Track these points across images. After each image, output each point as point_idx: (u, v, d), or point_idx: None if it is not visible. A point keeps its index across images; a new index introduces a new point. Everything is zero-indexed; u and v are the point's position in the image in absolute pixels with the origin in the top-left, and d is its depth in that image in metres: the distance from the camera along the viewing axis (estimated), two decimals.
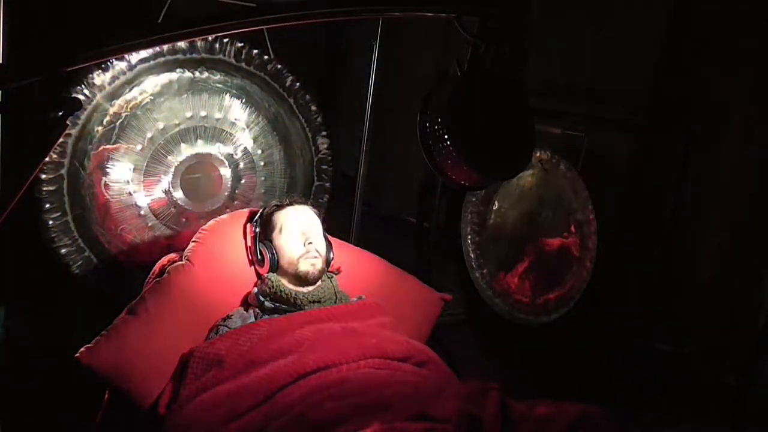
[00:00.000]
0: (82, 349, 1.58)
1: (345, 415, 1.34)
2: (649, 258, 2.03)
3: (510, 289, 2.33)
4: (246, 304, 1.88)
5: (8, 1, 1.75)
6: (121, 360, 1.60)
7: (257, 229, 1.92)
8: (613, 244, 2.10)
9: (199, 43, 2.12)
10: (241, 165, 2.29)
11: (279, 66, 2.27)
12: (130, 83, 2.06)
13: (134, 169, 2.12)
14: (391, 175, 3.06)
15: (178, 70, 2.14)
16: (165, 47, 2.04)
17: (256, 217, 1.96)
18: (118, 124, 2.07)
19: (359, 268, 2.05)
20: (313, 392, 1.44)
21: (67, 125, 1.25)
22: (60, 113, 1.21)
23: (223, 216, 2.06)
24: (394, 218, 3.12)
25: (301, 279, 1.84)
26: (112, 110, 2.05)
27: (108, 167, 2.08)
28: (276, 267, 1.86)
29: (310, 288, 1.85)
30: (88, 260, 2.11)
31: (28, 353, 2.19)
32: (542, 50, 2.54)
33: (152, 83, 2.10)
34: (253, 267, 1.93)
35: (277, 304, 1.80)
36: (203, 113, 2.19)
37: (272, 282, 1.83)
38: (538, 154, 2.20)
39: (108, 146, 2.07)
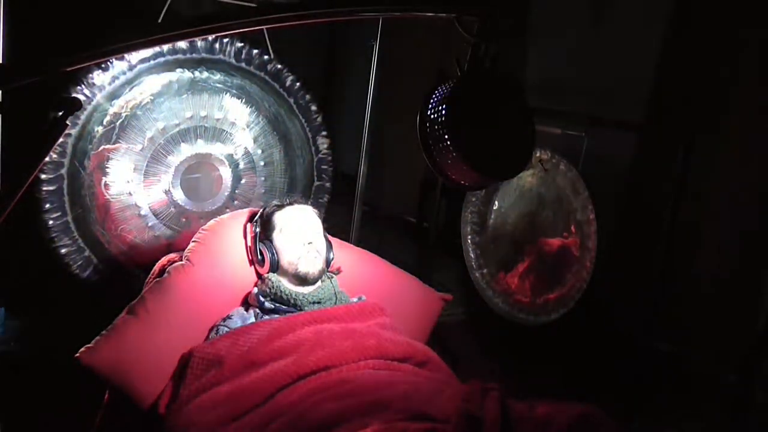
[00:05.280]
0: (82, 349, 1.58)
1: (345, 416, 1.34)
2: (649, 258, 2.03)
3: (510, 289, 2.33)
4: (246, 304, 1.88)
5: (8, 1, 1.76)
6: (121, 360, 1.60)
7: (257, 229, 1.92)
8: (613, 244, 2.09)
9: (199, 43, 2.12)
10: (241, 165, 2.29)
11: (279, 66, 2.27)
12: (130, 83, 2.06)
13: (134, 169, 2.12)
14: (391, 175, 3.06)
15: (178, 69, 2.14)
16: (165, 47, 2.04)
17: (257, 217, 1.96)
18: (118, 123, 2.07)
19: (359, 268, 2.05)
20: (312, 393, 1.44)
21: (67, 125, 1.25)
22: (60, 113, 1.21)
23: (223, 216, 2.06)
24: (394, 218, 3.12)
25: (301, 279, 1.84)
26: (112, 110, 2.06)
27: (108, 167, 2.08)
28: (276, 267, 1.86)
29: (310, 288, 1.85)
30: (88, 260, 2.11)
31: (28, 353, 2.19)
32: (542, 50, 2.54)
33: (152, 83, 2.10)
34: (253, 267, 1.93)
35: (277, 305, 1.80)
36: (203, 113, 2.20)
37: (272, 282, 1.83)
38: (538, 154, 2.19)
39: (108, 146, 2.07)
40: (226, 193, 2.28)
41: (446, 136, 1.43)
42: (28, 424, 1.94)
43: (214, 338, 1.70)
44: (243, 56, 2.20)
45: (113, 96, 2.04)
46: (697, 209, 2.07)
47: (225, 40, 2.16)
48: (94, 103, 2.01)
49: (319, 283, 1.87)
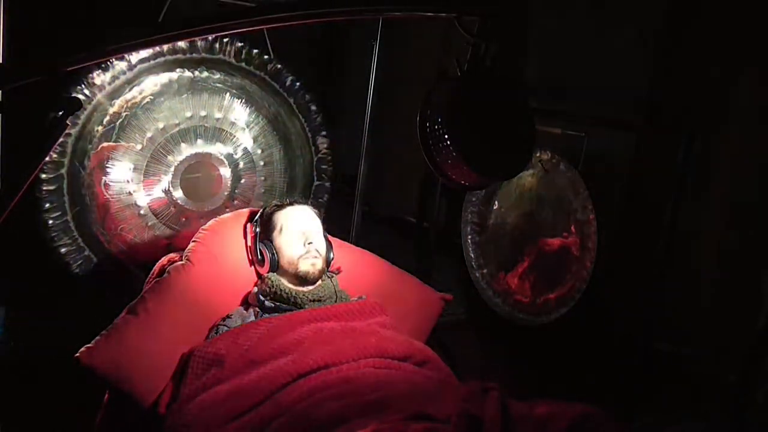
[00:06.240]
0: (82, 349, 1.58)
1: (344, 415, 1.34)
2: (649, 258, 2.03)
3: (510, 289, 2.33)
4: (246, 303, 1.88)
5: (8, 1, 1.76)
6: (121, 360, 1.60)
7: (257, 229, 1.92)
8: (613, 245, 2.09)
9: (199, 43, 2.12)
10: (241, 165, 2.29)
11: (279, 66, 2.27)
12: (131, 83, 2.06)
13: (134, 168, 2.12)
14: (391, 175, 3.06)
15: (178, 69, 2.14)
16: (165, 47, 2.04)
17: (257, 217, 1.97)
18: (118, 123, 2.07)
19: (359, 268, 2.05)
20: (312, 392, 1.44)
21: (67, 125, 1.25)
22: (60, 113, 1.21)
23: (224, 216, 2.06)
24: (394, 218, 3.12)
25: (301, 279, 1.84)
26: (112, 110, 2.06)
27: (108, 167, 2.09)
28: (276, 267, 1.86)
29: (311, 287, 1.85)
30: (88, 260, 2.11)
31: (28, 353, 2.19)
32: (542, 50, 2.54)
33: (152, 83, 2.10)
34: (253, 267, 1.93)
35: (278, 304, 1.80)
36: (203, 113, 2.20)
37: (272, 281, 1.83)
38: (538, 154, 2.19)
39: (107, 145, 2.07)
40: (226, 193, 2.28)
41: (446, 136, 1.43)
42: (28, 424, 1.94)
43: (215, 337, 1.70)
44: (243, 56, 2.20)
45: (113, 95, 2.04)
46: (697, 209, 2.07)
47: (225, 40, 2.16)
48: (94, 102, 2.01)
49: (319, 282, 1.87)
